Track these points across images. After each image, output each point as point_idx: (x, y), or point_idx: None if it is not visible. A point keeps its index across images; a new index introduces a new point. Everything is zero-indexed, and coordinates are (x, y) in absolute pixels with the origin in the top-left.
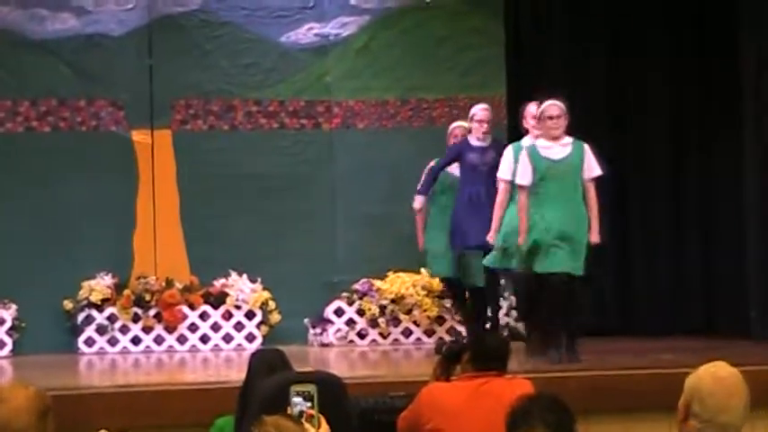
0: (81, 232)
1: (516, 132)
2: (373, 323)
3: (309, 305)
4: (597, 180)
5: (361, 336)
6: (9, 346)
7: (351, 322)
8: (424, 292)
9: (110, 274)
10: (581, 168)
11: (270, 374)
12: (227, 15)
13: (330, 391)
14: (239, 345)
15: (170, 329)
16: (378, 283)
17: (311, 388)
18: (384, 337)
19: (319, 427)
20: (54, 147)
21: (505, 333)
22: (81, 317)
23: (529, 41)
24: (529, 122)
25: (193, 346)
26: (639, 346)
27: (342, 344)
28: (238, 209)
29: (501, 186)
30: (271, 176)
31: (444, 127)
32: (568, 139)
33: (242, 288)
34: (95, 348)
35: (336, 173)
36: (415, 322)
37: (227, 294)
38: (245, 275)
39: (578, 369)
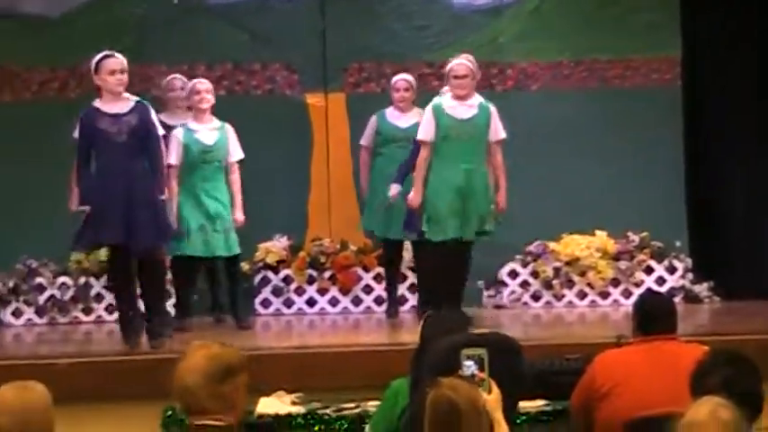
0: (257, 195)
1: (690, 94)
2: (547, 285)
3: (483, 267)
4: (502, 142)
5: (536, 298)
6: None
7: (525, 284)
8: (599, 254)
9: (285, 237)
10: (486, 130)
11: (444, 336)
12: None
13: (505, 354)
14: (413, 306)
15: (345, 291)
16: (552, 245)
17: (481, 351)
18: (558, 299)
19: (490, 391)
20: (229, 111)
21: (681, 295)
22: (257, 278)
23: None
24: (401, 95)
25: (368, 307)
26: None
27: (516, 306)
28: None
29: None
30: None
31: (619, 88)
32: (476, 100)
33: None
34: (271, 310)
35: (510, 134)
36: (589, 284)
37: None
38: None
39: (757, 332)
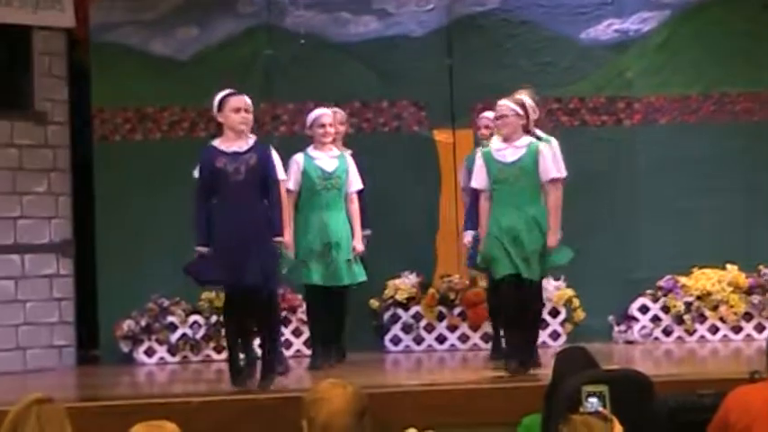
0: (386, 232)
1: None
2: (678, 320)
3: (613, 302)
4: (556, 181)
5: (667, 333)
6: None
7: (656, 319)
8: (731, 289)
9: (414, 273)
10: (536, 171)
11: (576, 373)
12: (526, 13)
13: (636, 390)
14: (543, 342)
15: (475, 328)
16: (683, 279)
17: (603, 388)
18: (690, 334)
19: (613, 429)
20: (358, 148)
21: None
22: (387, 315)
23: None
24: (483, 132)
25: None
26: None
27: (646, 341)
28: None
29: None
30: (572, 173)
31: (749, 122)
32: (525, 141)
33: (546, 286)
34: (401, 346)
35: (638, 169)
36: (721, 319)
37: None
38: None
39: None
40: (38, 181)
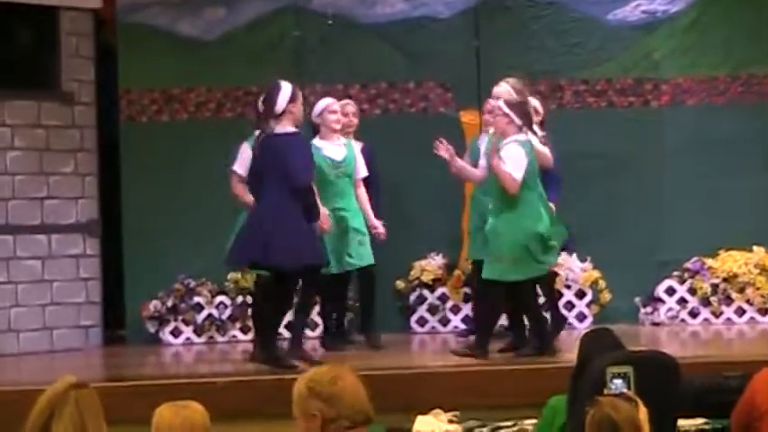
0: (412, 213)
1: None
2: (705, 302)
3: (640, 284)
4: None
5: (693, 315)
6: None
7: (682, 301)
8: (758, 271)
9: (440, 255)
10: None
11: (602, 354)
12: None
13: (662, 371)
14: (569, 324)
15: None
16: (709, 261)
17: (628, 370)
18: (716, 316)
19: (637, 410)
20: (384, 129)
21: None
22: (413, 297)
23: None
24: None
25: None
26: None
27: (673, 323)
28: (567, 188)
29: None
30: (599, 155)
31: None
32: (510, 139)
33: (572, 267)
34: (427, 328)
35: (666, 150)
36: (748, 301)
37: (556, 274)
38: (574, 255)
39: None
40: (64, 161)
